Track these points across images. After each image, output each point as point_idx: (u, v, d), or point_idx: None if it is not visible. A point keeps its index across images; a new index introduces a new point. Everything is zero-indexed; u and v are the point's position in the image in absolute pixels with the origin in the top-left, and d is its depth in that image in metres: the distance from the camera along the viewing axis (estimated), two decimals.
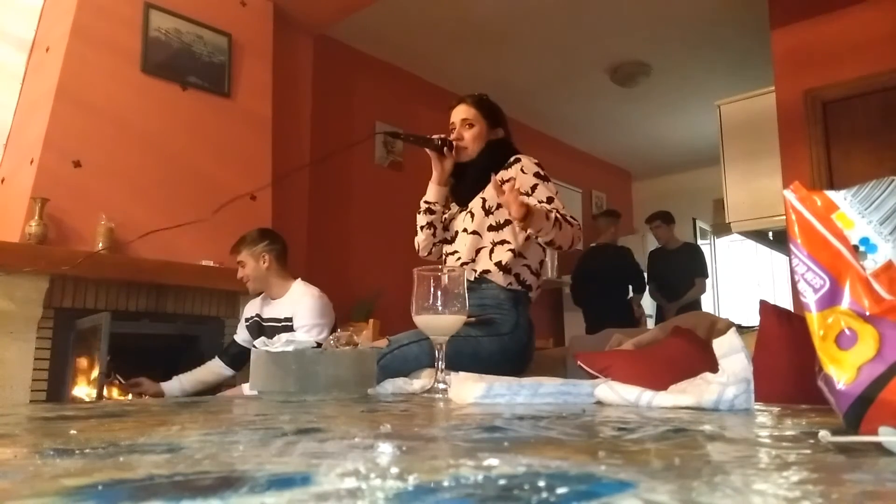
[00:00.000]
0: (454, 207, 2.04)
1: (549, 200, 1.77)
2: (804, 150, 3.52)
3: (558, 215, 1.66)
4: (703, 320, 1.97)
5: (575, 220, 1.72)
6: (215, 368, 2.80)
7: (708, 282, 5.35)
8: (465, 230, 1.91)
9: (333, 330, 2.62)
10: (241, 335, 2.81)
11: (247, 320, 2.80)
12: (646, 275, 5.40)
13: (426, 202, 2.00)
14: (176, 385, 2.71)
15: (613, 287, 5.01)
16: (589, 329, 4.80)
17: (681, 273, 5.14)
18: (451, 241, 1.99)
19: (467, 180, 1.96)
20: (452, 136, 1.96)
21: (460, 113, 1.98)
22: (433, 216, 2.00)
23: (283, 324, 2.57)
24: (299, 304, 2.59)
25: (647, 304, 5.64)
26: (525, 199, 1.62)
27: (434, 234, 2.01)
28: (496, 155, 1.93)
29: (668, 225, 5.33)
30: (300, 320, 2.53)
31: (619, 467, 0.37)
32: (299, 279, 2.72)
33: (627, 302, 5.07)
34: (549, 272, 5.80)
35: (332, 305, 2.66)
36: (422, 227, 2.02)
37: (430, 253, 2.04)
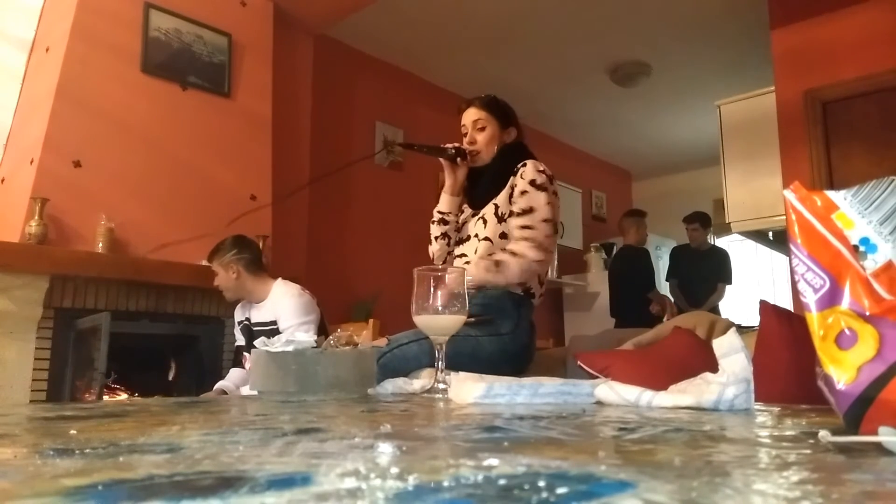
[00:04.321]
0: (466, 210, 2.03)
1: (522, 213, 1.77)
2: (804, 150, 3.52)
3: (499, 258, 1.74)
4: (703, 320, 1.97)
5: (532, 248, 1.74)
6: (243, 372, 2.71)
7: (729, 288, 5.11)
8: (476, 236, 1.90)
9: (321, 325, 2.62)
10: (240, 339, 2.80)
11: (239, 324, 2.79)
12: (666, 272, 5.34)
13: (439, 212, 1.99)
14: (231, 386, 2.68)
15: (628, 290, 4.94)
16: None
17: (705, 276, 5.00)
18: (462, 243, 1.98)
19: (481, 186, 1.95)
20: (466, 141, 1.96)
21: (471, 115, 1.97)
22: (447, 226, 1.98)
23: (270, 327, 2.56)
24: (281, 305, 2.58)
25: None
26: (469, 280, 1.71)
27: (448, 244, 2.00)
28: (509, 160, 1.92)
29: (705, 228, 5.19)
30: (285, 322, 2.51)
31: (619, 467, 0.37)
32: (279, 279, 2.70)
33: (645, 302, 4.87)
34: (549, 274, 5.79)
35: (316, 301, 2.65)
36: (436, 238, 2.01)
37: (445, 261, 2.03)
